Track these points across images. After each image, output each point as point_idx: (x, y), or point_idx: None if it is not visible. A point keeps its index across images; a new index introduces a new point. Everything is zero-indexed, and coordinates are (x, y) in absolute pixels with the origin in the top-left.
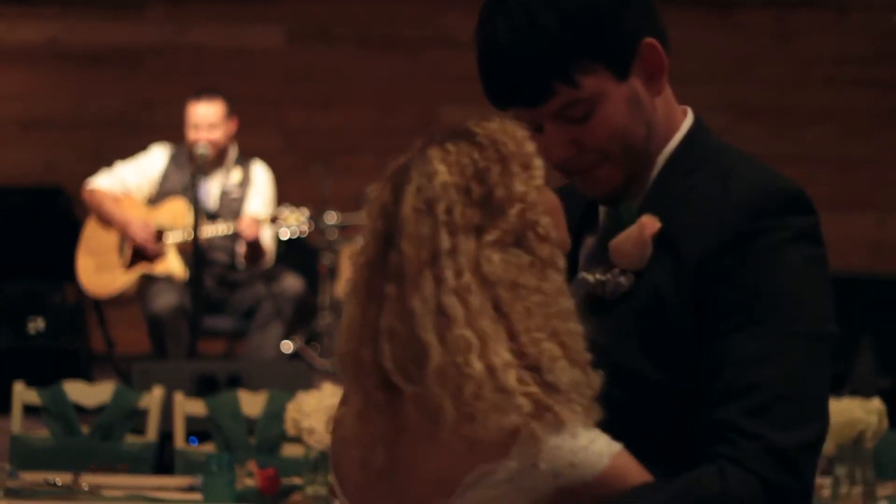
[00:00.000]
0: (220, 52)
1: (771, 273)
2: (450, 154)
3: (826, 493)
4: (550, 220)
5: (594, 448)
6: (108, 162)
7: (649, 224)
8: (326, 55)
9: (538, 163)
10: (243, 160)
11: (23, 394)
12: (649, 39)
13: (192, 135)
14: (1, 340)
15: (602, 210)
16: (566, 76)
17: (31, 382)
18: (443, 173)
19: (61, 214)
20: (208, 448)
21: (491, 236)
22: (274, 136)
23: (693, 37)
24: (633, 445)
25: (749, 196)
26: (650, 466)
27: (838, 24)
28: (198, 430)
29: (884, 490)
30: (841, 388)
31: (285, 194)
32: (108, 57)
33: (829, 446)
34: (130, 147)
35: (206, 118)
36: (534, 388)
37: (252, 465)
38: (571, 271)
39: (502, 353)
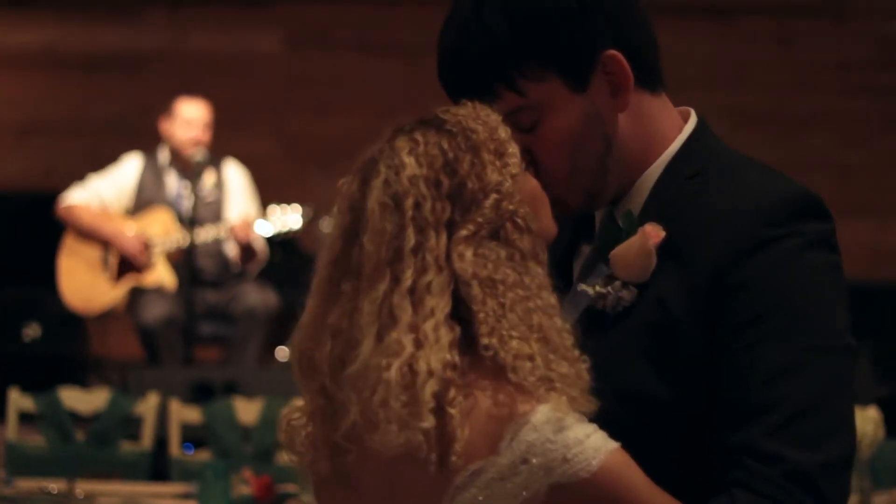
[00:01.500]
0: (219, 57)
1: (788, 283)
2: (418, 145)
3: None
4: (529, 210)
5: (589, 443)
6: (103, 169)
7: (653, 233)
8: (325, 61)
9: (513, 149)
10: (216, 161)
11: (18, 400)
12: (611, 52)
13: (183, 132)
14: None
15: (598, 216)
16: (509, 81)
17: (26, 389)
18: (411, 166)
19: (59, 220)
20: (204, 455)
21: (464, 231)
22: (272, 141)
23: (693, 43)
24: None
25: (761, 202)
26: None
27: (838, 31)
28: (193, 437)
29: (880, 499)
30: None
31: (283, 200)
32: (106, 62)
33: None
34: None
35: (201, 117)
36: (455, 401)
37: (247, 473)
38: (567, 281)
39: (433, 361)
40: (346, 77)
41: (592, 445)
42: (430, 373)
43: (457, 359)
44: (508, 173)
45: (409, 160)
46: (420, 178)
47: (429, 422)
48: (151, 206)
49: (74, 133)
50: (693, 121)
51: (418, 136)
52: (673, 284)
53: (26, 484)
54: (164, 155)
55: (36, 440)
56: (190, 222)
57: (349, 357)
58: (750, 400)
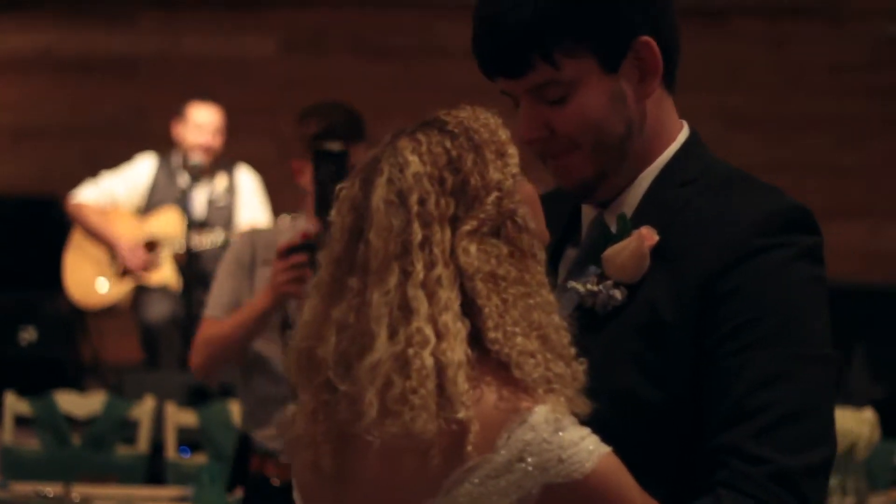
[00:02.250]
0: (214, 60)
1: (777, 291)
2: (421, 144)
3: None
4: (528, 210)
5: (584, 446)
6: (102, 171)
7: (648, 236)
8: (319, 64)
9: (513, 150)
10: (228, 166)
11: (14, 404)
12: (646, 38)
13: (193, 137)
14: None
15: (585, 221)
16: (545, 53)
17: (22, 393)
18: (415, 164)
19: (55, 223)
20: (200, 458)
21: (467, 226)
22: (267, 144)
23: (686, 44)
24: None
25: (753, 213)
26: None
27: (832, 33)
28: (189, 440)
29: (876, 500)
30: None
31: (279, 204)
32: (101, 66)
33: None
34: (124, 156)
35: (213, 122)
36: (489, 388)
37: None
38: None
39: (458, 352)
40: (340, 81)
41: (587, 448)
42: (460, 363)
43: (470, 353)
44: (509, 173)
45: (412, 158)
46: (424, 175)
47: (463, 412)
48: (162, 207)
49: (70, 137)
50: (686, 130)
51: (421, 137)
52: (664, 289)
53: (22, 488)
54: (177, 158)
55: (32, 444)
56: (197, 225)
57: (358, 350)
58: (738, 404)
